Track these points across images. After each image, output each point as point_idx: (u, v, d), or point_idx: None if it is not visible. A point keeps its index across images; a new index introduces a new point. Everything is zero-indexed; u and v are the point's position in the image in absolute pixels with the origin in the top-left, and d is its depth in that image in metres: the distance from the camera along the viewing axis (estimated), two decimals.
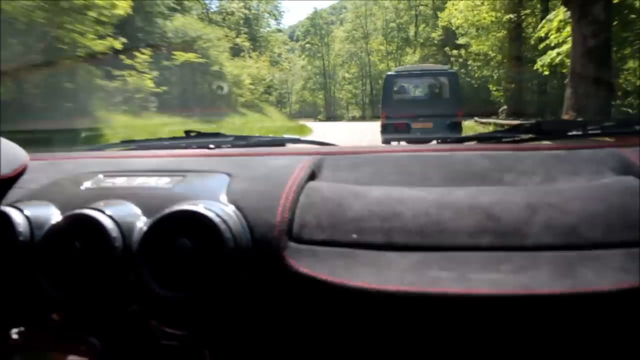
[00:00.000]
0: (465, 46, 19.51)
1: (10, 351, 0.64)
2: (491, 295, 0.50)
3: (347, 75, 41.70)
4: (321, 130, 14.26)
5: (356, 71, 41.12)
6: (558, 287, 0.49)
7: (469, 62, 18.68)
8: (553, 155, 0.72)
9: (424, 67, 11.02)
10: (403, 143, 5.66)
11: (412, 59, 30.21)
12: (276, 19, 37.78)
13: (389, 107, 7.53)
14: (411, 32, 32.92)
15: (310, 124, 20.07)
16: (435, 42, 26.31)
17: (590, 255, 0.52)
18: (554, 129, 0.92)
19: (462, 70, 22.28)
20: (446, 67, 10.12)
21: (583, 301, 0.49)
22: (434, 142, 1.00)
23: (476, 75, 17.81)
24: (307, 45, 45.05)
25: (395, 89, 7.97)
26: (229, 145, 0.98)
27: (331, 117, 38.58)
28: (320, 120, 34.56)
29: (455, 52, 21.26)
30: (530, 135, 0.87)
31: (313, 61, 44.83)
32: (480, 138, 0.94)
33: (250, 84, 18.66)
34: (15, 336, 0.64)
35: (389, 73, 8.42)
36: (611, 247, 0.53)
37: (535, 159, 0.71)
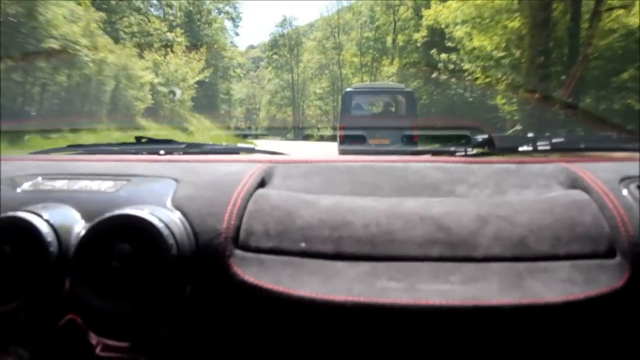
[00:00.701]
0: (456, 49, 14.50)
1: None
2: (440, 306, 0.50)
3: (317, 90, 37.21)
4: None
5: (327, 85, 36.70)
6: (506, 299, 0.50)
7: (464, 67, 13.53)
8: (503, 169, 0.73)
9: (383, 84, 11.88)
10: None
11: (390, 71, 25.46)
12: (233, 21, 32.54)
13: (347, 122, 7.59)
14: (389, 42, 28.17)
15: (267, 143, 14.92)
16: (418, 45, 21.21)
17: (538, 267, 0.53)
18: (506, 144, 0.92)
19: (453, 80, 17.30)
20: (402, 85, 10.17)
21: (531, 313, 0.51)
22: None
23: (478, 82, 12.60)
24: (275, 57, 40.46)
25: (353, 105, 8.03)
26: (181, 153, 0.95)
27: (300, 136, 33.82)
28: (288, 139, 29.47)
29: (444, 56, 16.22)
30: (482, 150, 0.89)
31: (281, 74, 40.28)
32: (434, 151, 0.97)
33: (160, 84, 13.06)
34: None
35: (348, 89, 8.55)
36: (558, 259, 0.54)
37: (487, 172, 0.72)
